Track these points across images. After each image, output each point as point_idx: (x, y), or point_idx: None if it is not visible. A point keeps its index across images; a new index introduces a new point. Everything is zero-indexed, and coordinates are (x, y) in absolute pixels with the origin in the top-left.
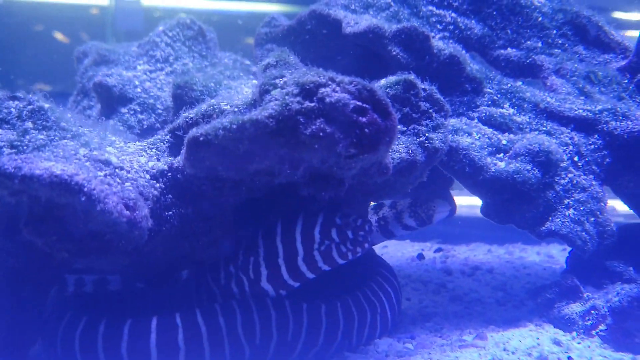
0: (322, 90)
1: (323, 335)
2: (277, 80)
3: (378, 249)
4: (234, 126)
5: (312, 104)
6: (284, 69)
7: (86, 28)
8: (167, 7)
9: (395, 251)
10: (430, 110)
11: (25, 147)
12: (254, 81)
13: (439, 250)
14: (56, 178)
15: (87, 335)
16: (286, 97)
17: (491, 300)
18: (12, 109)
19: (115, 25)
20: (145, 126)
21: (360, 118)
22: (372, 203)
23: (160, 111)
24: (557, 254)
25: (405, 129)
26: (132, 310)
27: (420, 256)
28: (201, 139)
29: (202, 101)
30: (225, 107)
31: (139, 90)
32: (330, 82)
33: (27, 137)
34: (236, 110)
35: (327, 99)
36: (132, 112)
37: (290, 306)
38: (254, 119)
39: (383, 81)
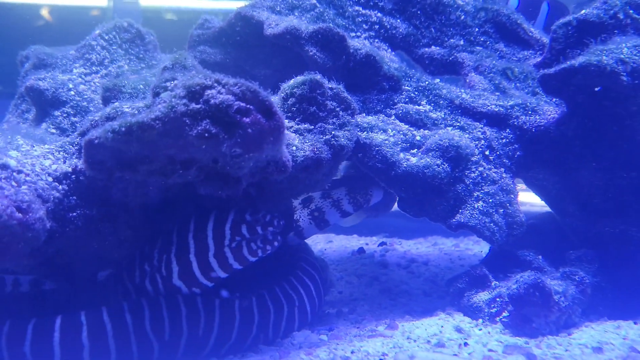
0: (208, 92)
1: (236, 329)
2: (168, 83)
3: (324, 244)
4: (123, 129)
5: (198, 106)
6: (178, 71)
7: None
8: (165, 7)
9: (339, 246)
10: (337, 109)
11: None
12: None
13: (382, 244)
14: None
15: None
16: (173, 99)
17: (418, 292)
18: None
19: None
20: (78, 129)
21: (243, 119)
22: (297, 199)
23: (93, 113)
24: None
25: (312, 127)
26: (44, 311)
27: (361, 250)
28: (96, 141)
29: None
30: (126, 110)
31: (72, 93)
32: (216, 84)
33: None
34: (135, 112)
35: (212, 101)
36: (65, 115)
37: (202, 302)
38: (140, 122)
39: (292, 81)
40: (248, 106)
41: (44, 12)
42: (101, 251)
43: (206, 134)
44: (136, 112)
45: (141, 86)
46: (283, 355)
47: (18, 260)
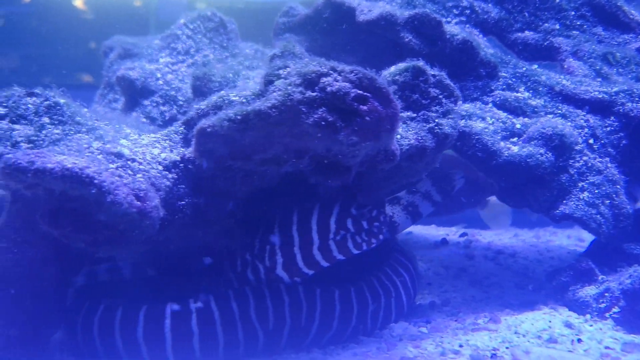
0: (324, 79)
1: (337, 319)
2: (280, 71)
3: (402, 235)
4: (239, 117)
5: (314, 94)
6: (289, 59)
7: (130, 20)
8: None
9: (420, 236)
10: (440, 96)
11: (41, 142)
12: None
13: (463, 235)
14: (67, 171)
15: (105, 321)
16: (289, 87)
17: (510, 284)
18: (30, 105)
19: (158, 16)
20: (167, 118)
21: (361, 106)
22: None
23: (181, 102)
24: (588, 237)
25: (414, 115)
26: (149, 298)
27: (444, 241)
28: (208, 130)
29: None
30: (234, 98)
31: (161, 82)
32: (331, 72)
33: (44, 132)
34: (244, 101)
35: (329, 88)
36: (154, 104)
37: (304, 292)
38: (257, 110)
39: (393, 68)
40: (365, 94)
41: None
42: (206, 240)
43: (323, 122)
44: (244, 100)
45: (230, 75)
46: (390, 347)
47: (132, 248)
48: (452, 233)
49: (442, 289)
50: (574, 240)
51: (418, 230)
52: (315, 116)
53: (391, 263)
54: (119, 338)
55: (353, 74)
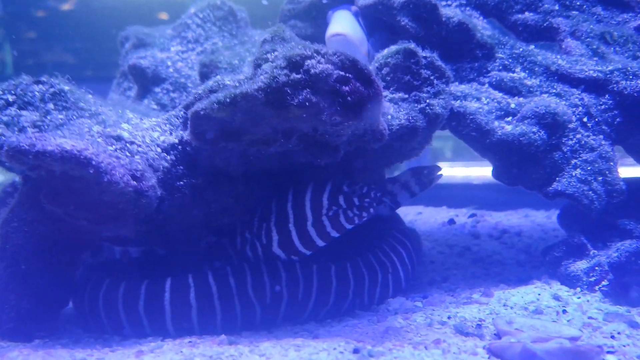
0: (308, 62)
1: (334, 294)
2: (268, 55)
3: (412, 216)
4: (227, 100)
5: (299, 76)
6: (278, 44)
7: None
8: None
9: (429, 217)
10: (432, 77)
11: (46, 127)
12: None
13: (472, 215)
14: (66, 153)
15: (109, 295)
16: (274, 70)
17: (512, 262)
18: (36, 92)
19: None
20: (177, 104)
21: (343, 87)
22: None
23: (190, 89)
24: None
25: (406, 96)
26: (153, 274)
27: (451, 221)
28: (201, 113)
29: None
30: (227, 82)
31: (171, 70)
32: (315, 55)
33: (49, 117)
34: (237, 84)
35: (312, 70)
36: (164, 92)
37: (301, 268)
38: (244, 92)
39: (385, 51)
40: (347, 75)
41: None
42: (205, 219)
43: (307, 103)
44: (237, 84)
45: (236, 61)
46: (381, 319)
47: (131, 226)
48: (461, 214)
49: (444, 267)
50: None
51: (428, 211)
52: (300, 97)
53: (388, 240)
54: (122, 311)
55: (336, 56)
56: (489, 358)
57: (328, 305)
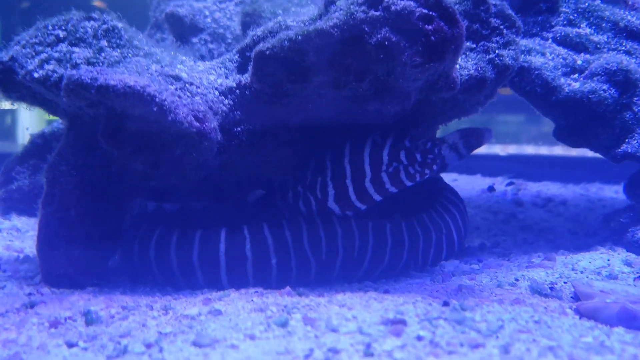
0: None
1: (389, 253)
2: None
3: (449, 182)
4: (300, 37)
5: (377, 13)
6: None
7: None
8: None
9: (465, 184)
10: (501, 27)
11: (100, 64)
12: None
13: (510, 184)
14: (129, 88)
15: (161, 245)
16: (351, 6)
17: (563, 230)
18: (88, 29)
19: None
20: (215, 55)
21: (426, 26)
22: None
23: (230, 40)
24: None
25: (474, 45)
26: (202, 225)
27: (491, 188)
28: (267, 52)
29: None
30: (291, 23)
31: (209, 20)
32: None
33: (103, 54)
34: (302, 25)
35: (393, 7)
36: (202, 42)
37: (356, 224)
38: (318, 29)
39: None
40: (431, 13)
41: None
42: (258, 170)
43: (386, 42)
44: (303, 25)
45: (280, 11)
46: (445, 279)
47: (188, 174)
48: (498, 182)
49: (491, 233)
50: (622, 194)
51: (463, 178)
52: (379, 36)
53: (442, 201)
54: (175, 261)
55: None
56: (580, 319)
57: (383, 264)
